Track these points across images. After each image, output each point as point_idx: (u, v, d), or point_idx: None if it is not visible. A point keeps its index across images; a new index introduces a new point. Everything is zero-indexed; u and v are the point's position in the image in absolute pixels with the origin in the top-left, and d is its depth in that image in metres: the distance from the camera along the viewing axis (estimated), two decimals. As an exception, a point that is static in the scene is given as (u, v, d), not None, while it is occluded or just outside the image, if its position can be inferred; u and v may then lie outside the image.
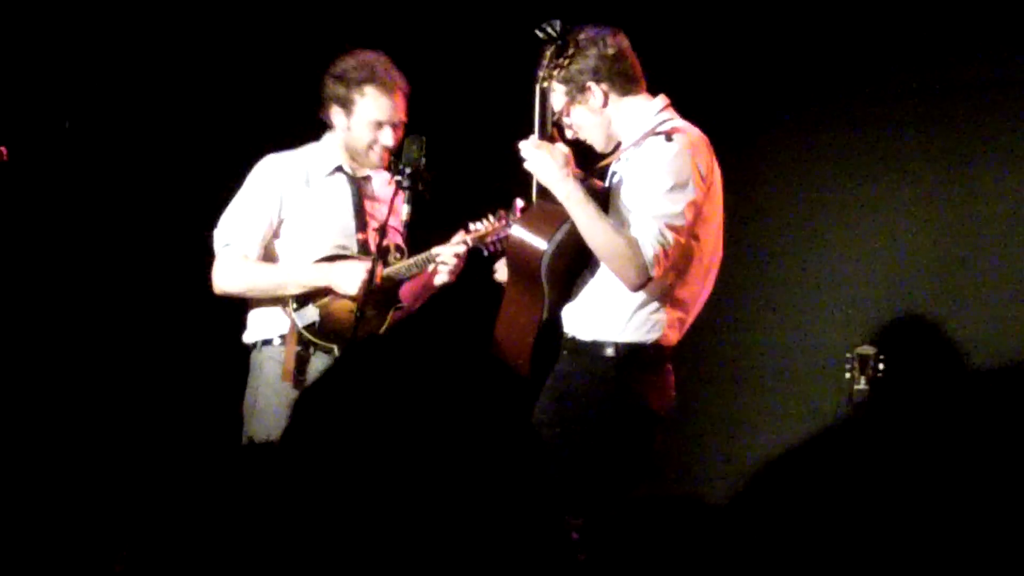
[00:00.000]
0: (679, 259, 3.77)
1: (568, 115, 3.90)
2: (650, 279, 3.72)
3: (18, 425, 5.18)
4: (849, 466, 4.66)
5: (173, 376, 5.42)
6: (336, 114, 4.44)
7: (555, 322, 3.89)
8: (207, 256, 4.50)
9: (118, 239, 5.43)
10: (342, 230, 4.45)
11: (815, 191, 5.40)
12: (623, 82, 3.91)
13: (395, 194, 4.26)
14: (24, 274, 5.30)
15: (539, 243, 3.83)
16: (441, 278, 4.44)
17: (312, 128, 4.54)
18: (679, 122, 3.91)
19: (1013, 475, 4.85)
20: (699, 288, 3.93)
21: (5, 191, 5.25)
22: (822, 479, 4.96)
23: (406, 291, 4.49)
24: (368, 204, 4.50)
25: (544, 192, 3.80)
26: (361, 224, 4.46)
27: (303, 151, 4.51)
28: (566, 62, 3.79)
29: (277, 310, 4.41)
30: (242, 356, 4.53)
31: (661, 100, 3.95)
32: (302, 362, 4.35)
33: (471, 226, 4.42)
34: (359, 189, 4.49)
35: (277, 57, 5.40)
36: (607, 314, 3.84)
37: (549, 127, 3.79)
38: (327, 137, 4.51)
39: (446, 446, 1.51)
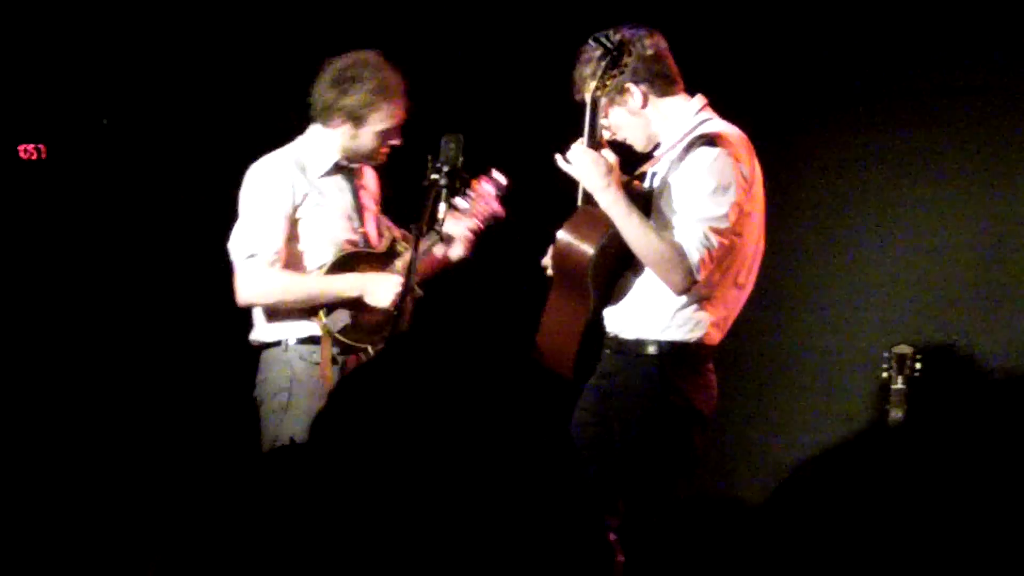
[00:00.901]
0: (723, 259, 3.78)
1: (607, 116, 3.89)
2: (695, 282, 3.72)
3: (46, 415, 5.21)
4: (887, 467, 4.64)
5: (208, 368, 5.42)
6: (342, 123, 4.37)
7: (598, 322, 3.89)
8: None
9: (156, 235, 5.44)
10: (349, 225, 4.41)
11: (852, 191, 5.38)
12: (662, 83, 3.91)
13: (431, 193, 4.23)
14: (62, 269, 5.33)
15: (586, 248, 3.83)
16: (456, 252, 4.48)
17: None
18: (719, 122, 3.90)
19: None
20: (742, 286, 3.93)
21: (43, 188, 5.29)
22: (860, 479, 4.93)
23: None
24: (363, 196, 4.48)
25: (589, 196, 3.80)
26: (360, 218, 4.44)
27: (295, 147, 4.43)
28: (618, 72, 3.77)
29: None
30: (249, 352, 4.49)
31: (699, 100, 3.95)
32: (336, 364, 4.34)
33: (457, 202, 4.39)
34: (354, 181, 4.47)
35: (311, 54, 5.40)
36: (650, 313, 3.84)
37: (598, 135, 3.78)
38: (317, 132, 4.43)
39: (483, 448, 1.50)
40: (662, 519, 3.76)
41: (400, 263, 4.33)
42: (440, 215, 4.28)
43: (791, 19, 5.34)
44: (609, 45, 3.75)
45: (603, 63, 3.75)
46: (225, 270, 4.52)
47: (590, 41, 3.79)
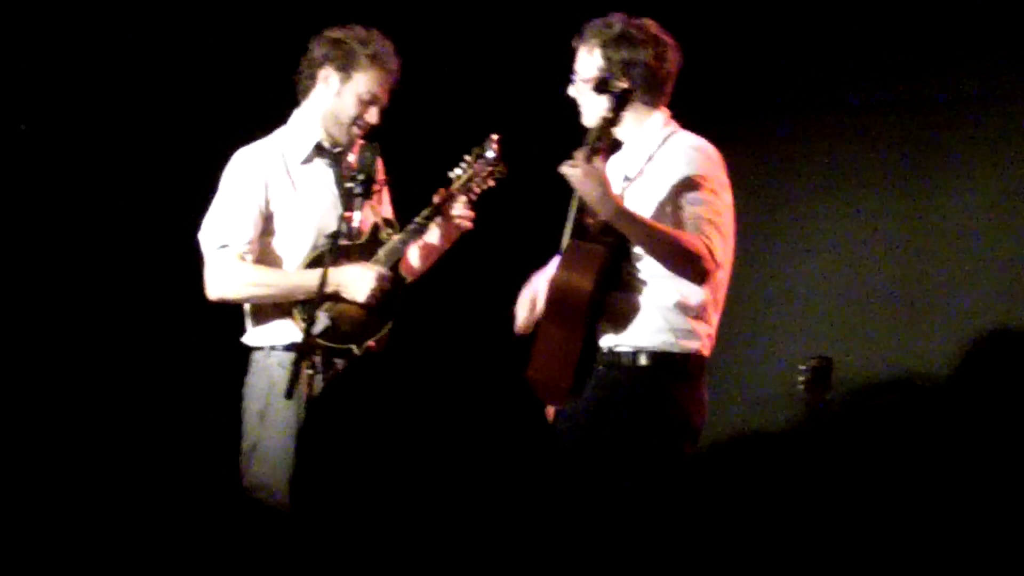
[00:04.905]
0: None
1: (602, 70, 3.85)
2: (716, 267, 3.75)
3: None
4: (804, 477, 4.68)
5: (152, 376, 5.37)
6: (328, 76, 4.23)
7: (592, 339, 3.90)
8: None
9: (77, 242, 5.40)
10: (333, 212, 4.23)
11: (771, 204, 5.42)
12: (654, 95, 3.93)
13: (348, 203, 4.17)
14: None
15: (584, 283, 3.84)
16: (451, 234, 4.30)
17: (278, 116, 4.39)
18: (690, 134, 3.95)
19: (968, 482, 4.86)
20: (723, 295, 3.96)
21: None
22: (778, 489, 4.97)
23: (408, 261, 4.34)
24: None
25: (576, 231, 3.84)
26: (347, 204, 4.23)
27: (275, 137, 4.31)
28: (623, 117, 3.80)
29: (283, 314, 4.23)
30: (235, 355, 4.32)
31: (664, 112, 3.97)
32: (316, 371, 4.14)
33: (452, 174, 4.27)
34: (340, 166, 4.31)
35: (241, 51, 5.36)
36: (641, 325, 3.86)
37: (596, 154, 3.75)
38: (297, 116, 4.32)
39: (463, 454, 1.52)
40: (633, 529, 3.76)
41: (382, 252, 4.21)
42: (355, 224, 4.23)
43: (710, 31, 5.37)
44: (617, 92, 3.74)
45: (615, 104, 3.75)
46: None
47: (608, 89, 3.75)
